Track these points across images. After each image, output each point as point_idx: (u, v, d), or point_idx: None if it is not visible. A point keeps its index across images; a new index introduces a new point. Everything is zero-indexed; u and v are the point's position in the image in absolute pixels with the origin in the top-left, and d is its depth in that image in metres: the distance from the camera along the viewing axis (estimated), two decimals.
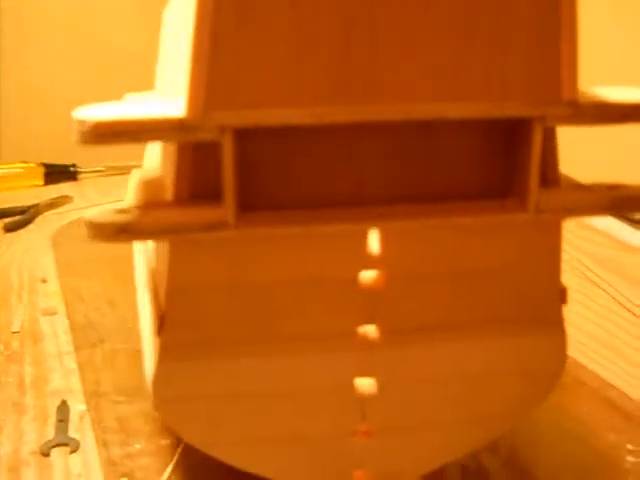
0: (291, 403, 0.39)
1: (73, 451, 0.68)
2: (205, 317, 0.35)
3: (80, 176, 1.56)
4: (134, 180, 0.42)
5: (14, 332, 0.92)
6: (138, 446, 0.68)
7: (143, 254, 0.54)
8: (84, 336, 0.90)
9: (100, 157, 1.61)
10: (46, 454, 0.67)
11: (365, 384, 0.39)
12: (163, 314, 0.35)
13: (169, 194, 0.32)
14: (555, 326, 0.40)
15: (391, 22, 0.29)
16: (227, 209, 0.31)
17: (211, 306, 0.35)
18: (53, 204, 1.37)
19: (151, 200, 0.33)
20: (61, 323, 0.94)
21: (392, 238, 0.35)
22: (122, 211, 0.31)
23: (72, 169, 1.54)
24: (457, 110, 0.31)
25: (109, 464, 0.66)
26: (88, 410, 0.74)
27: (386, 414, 0.40)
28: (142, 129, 0.29)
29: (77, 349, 0.87)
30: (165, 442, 0.69)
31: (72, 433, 0.71)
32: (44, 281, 1.07)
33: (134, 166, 1.66)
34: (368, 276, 0.36)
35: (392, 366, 0.39)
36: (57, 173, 1.51)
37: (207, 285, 0.34)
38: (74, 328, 0.92)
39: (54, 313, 0.97)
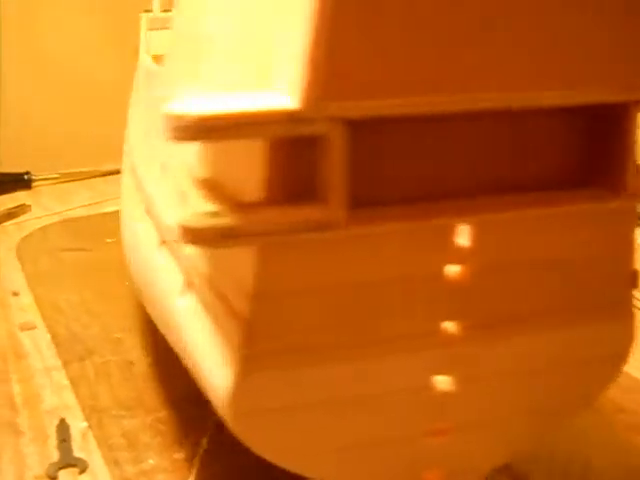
0: (369, 407, 0.37)
1: (82, 472, 0.65)
2: (293, 323, 0.33)
3: (34, 184, 1.50)
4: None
5: None
6: (151, 462, 0.65)
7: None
8: (70, 349, 0.85)
9: (53, 164, 1.56)
10: (53, 477, 0.64)
11: (443, 382, 0.38)
12: (248, 323, 0.32)
13: (256, 195, 0.30)
14: (624, 310, 0.39)
15: (498, 12, 0.28)
16: (336, 208, 0.29)
17: (299, 311, 0.33)
18: (11, 214, 1.32)
19: (225, 202, 0.31)
20: (42, 337, 0.90)
21: (479, 231, 0.34)
22: (216, 215, 0.28)
23: (26, 177, 1.48)
24: (557, 97, 0.30)
25: None
26: (90, 427, 0.71)
27: (461, 411, 0.39)
28: (250, 122, 0.26)
29: (65, 364, 0.82)
30: (178, 456, 0.66)
31: (77, 452, 0.67)
32: (15, 294, 1.02)
33: (89, 172, 1.61)
34: (453, 271, 0.35)
35: (470, 362, 0.38)
36: (11, 182, 1.45)
37: (297, 289, 0.32)
38: (58, 342, 0.88)
39: (33, 327, 0.92)
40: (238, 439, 0.36)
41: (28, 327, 0.92)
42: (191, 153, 0.44)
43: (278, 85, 0.28)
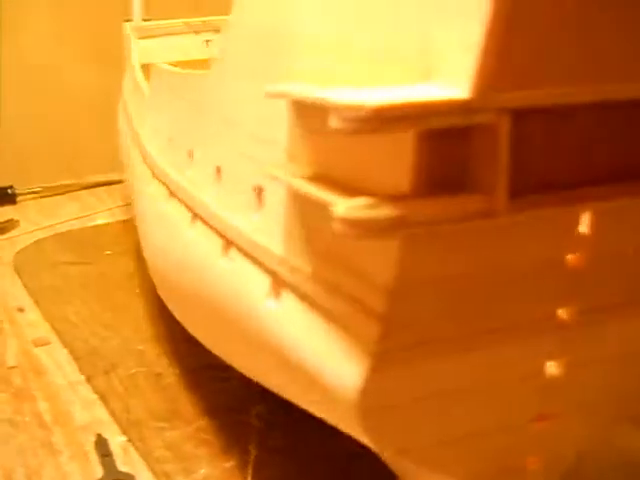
0: (487, 396, 0.36)
1: None
2: (427, 315, 0.32)
3: (18, 198, 1.47)
4: None
5: (10, 367, 0.84)
6: (203, 471, 0.63)
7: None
8: (91, 364, 0.83)
9: (34, 177, 1.53)
10: None
11: (554, 367, 0.37)
12: (382, 318, 0.31)
13: (400, 187, 0.29)
14: None
15: None
16: (500, 196, 0.28)
17: (434, 303, 0.32)
18: (1, 229, 1.28)
19: (357, 195, 0.29)
20: (59, 352, 0.87)
21: (604, 217, 0.33)
22: (373, 206, 0.27)
23: (10, 191, 1.44)
24: None
25: None
26: (129, 441, 0.69)
27: (566, 396, 0.39)
28: (426, 113, 0.26)
29: (90, 378, 0.80)
30: (229, 464, 0.64)
31: (121, 467, 0.65)
32: (21, 310, 0.99)
33: (72, 185, 1.58)
34: (575, 257, 0.34)
35: (580, 346, 0.37)
36: None
37: (434, 281, 0.31)
38: (77, 356, 0.85)
39: (47, 343, 0.89)
40: (365, 437, 0.35)
41: (42, 343, 0.90)
42: (272, 150, 0.42)
43: (438, 76, 0.27)
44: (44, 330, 0.93)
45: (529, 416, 0.39)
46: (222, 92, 0.52)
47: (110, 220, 1.35)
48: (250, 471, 0.62)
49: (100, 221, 1.35)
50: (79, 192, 1.56)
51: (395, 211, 0.27)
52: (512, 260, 0.32)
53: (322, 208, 0.32)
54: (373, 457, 0.51)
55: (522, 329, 0.35)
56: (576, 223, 0.33)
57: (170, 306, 0.75)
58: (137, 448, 0.67)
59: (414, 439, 0.36)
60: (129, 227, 1.29)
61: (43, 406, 0.76)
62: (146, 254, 0.82)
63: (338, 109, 0.26)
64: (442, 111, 0.26)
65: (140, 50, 1.25)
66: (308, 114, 0.34)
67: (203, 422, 0.70)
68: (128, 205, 1.40)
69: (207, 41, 1.34)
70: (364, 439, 0.36)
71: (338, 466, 0.63)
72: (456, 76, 0.26)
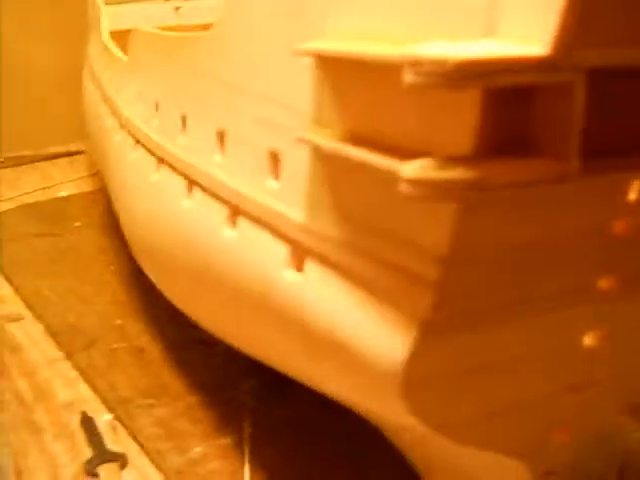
0: (524, 367, 0.35)
1: (123, 466, 0.60)
2: (477, 284, 0.30)
3: None
4: None
5: None
6: (198, 449, 0.61)
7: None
8: (70, 339, 0.80)
9: None
10: (94, 474, 0.59)
11: (590, 336, 0.36)
12: (433, 286, 0.29)
13: (460, 147, 0.27)
14: None
15: None
16: (572, 159, 0.26)
17: (485, 271, 0.30)
18: None
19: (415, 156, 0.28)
20: (34, 328, 0.84)
21: None
22: (444, 167, 0.25)
23: None
24: None
25: (175, 474, 0.58)
26: (117, 419, 0.66)
27: (600, 366, 0.38)
28: (508, 69, 0.24)
29: (69, 355, 0.77)
30: (224, 441, 0.62)
31: (110, 446, 0.63)
32: None
33: (33, 156, 1.52)
34: (621, 224, 0.33)
35: (616, 315, 0.36)
36: None
37: (488, 248, 0.30)
38: (53, 332, 0.82)
39: (20, 318, 0.86)
40: (405, 410, 0.33)
41: (14, 318, 0.86)
42: (291, 113, 0.40)
43: (505, 31, 0.25)
44: (16, 305, 0.89)
45: (564, 387, 0.37)
46: (226, 54, 0.49)
47: (75, 191, 1.31)
48: (247, 448, 0.60)
49: (65, 192, 1.31)
50: (39, 163, 1.51)
51: (468, 173, 0.25)
52: (567, 227, 0.31)
53: (373, 171, 0.30)
54: (373, 429, 0.50)
55: (565, 298, 0.34)
56: (628, 190, 0.32)
57: (156, 280, 0.72)
58: (126, 426, 0.65)
59: (456, 413, 0.35)
60: (96, 198, 1.25)
61: (22, 384, 0.73)
62: (127, 226, 0.79)
63: (418, 63, 0.24)
64: (522, 68, 0.24)
65: (108, 17, 1.20)
66: (359, 73, 0.32)
67: (193, 399, 0.68)
68: (93, 176, 1.36)
69: (177, 8, 1.30)
70: (401, 415, 0.35)
71: (337, 439, 0.61)
72: (531, 32, 0.25)
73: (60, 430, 0.65)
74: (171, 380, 0.71)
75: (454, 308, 0.31)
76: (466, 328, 0.32)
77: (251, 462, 0.59)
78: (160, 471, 0.59)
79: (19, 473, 0.59)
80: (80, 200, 1.25)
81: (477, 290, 0.31)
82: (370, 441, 0.54)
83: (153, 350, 0.77)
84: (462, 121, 0.27)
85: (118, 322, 0.82)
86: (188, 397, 0.68)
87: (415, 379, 0.32)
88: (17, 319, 0.86)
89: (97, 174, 1.34)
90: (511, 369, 0.35)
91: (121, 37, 1.09)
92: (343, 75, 0.33)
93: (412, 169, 0.25)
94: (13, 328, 0.84)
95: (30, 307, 0.88)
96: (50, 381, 0.73)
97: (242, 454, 0.60)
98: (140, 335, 0.80)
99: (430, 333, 0.31)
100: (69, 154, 1.55)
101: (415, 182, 0.25)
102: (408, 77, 0.24)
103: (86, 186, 1.32)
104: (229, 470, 0.58)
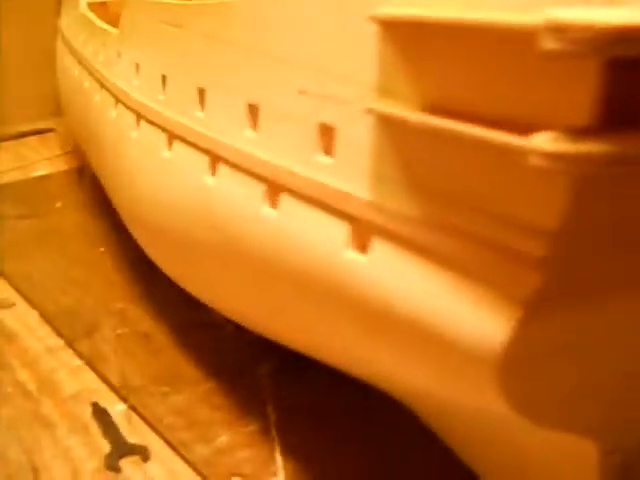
0: (616, 346, 0.33)
1: (146, 459, 0.57)
2: (584, 262, 0.28)
3: None
4: None
5: None
6: (223, 438, 0.59)
7: None
8: (68, 326, 0.76)
9: None
10: (116, 469, 0.56)
11: None
12: (539, 264, 0.27)
13: (579, 119, 0.24)
14: None
15: None
16: None
17: (592, 248, 0.28)
18: None
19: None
20: (28, 315, 0.80)
21: None
22: (577, 140, 0.23)
23: None
24: None
25: (205, 465, 0.56)
26: (131, 408, 0.63)
27: None
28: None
29: (70, 342, 0.74)
30: (251, 428, 0.60)
31: (128, 439, 0.60)
32: None
33: (14, 133, 1.46)
34: None
35: None
36: None
37: (597, 224, 0.27)
38: (50, 319, 0.78)
39: (12, 305, 0.82)
40: (499, 394, 0.31)
41: (6, 305, 0.82)
42: (348, 83, 0.37)
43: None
44: (5, 291, 0.85)
45: None
46: (259, 22, 0.46)
47: (52, 170, 1.26)
48: (274, 435, 0.58)
49: (41, 172, 1.26)
50: (7, 142, 1.44)
51: (605, 145, 0.23)
52: None
53: (473, 144, 0.27)
54: (395, 406, 0.48)
55: None
56: None
57: (165, 263, 0.69)
58: (142, 416, 0.62)
59: (545, 395, 0.33)
60: (75, 177, 1.20)
61: (23, 375, 0.69)
62: (127, 207, 0.76)
63: (561, 29, 0.21)
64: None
65: None
66: (457, 41, 0.29)
67: (209, 384, 0.65)
68: (69, 154, 1.31)
69: None
70: (490, 400, 0.33)
71: (361, 420, 0.59)
72: None
73: (72, 423, 0.62)
74: (183, 365, 0.68)
75: (560, 286, 0.29)
76: (569, 307, 0.30)
77: (282, 449, 0.57)
78: (187, 463, 0.56)
79: (35, 470, 0.56)
80: (58, 179, 1.20)
81: (585, 267, 0.29)
82: (396, 418, 0.52)
83: (158, 334, 0.74)
84: (589, 91, 0.25)
85: (118, 306, 0.79)
86: (203, 383, 0.66)
87: (513, 363, 0.30)
88: (9, 306, 0.82)
89: (73, 152, 1.29)
90: (605, 348, 0.33)
91: (98, 9, 1.04)
92: (430, 43, 0.30)
93: (548, 142, 0.23)
94: (5, 316, 0.80)
95: (21, 292, 0.84)
96: (53, 371, 0.69)
97: (270, 441, 0.58)
98: (142, 319, 0.76)
99: (535, 314, 0.29)
100: (38, 132, 1.49)
101: (551, 156, 0.23)
102: (548, 44, 0.22)
103: (63, 164, 1.27)
104: (260, 459, 0.56)
